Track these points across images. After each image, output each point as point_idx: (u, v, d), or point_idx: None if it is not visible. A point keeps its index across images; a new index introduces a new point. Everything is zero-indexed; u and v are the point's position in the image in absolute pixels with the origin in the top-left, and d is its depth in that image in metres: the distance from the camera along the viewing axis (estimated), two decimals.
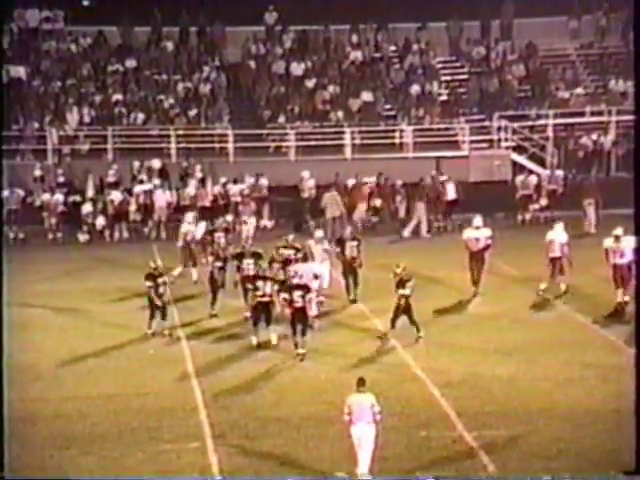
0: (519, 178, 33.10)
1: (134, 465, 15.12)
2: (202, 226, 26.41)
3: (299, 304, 20.13)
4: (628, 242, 21.91)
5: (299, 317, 19.99)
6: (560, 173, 33.34)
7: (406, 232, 31.01)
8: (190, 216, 26.35)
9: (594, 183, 32.45)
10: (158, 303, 21.01)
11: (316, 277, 21.65)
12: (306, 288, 20.37)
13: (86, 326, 22.25)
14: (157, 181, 32.45)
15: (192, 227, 25.83)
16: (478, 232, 23.62)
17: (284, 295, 20.27)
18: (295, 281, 20.55)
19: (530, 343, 20.48)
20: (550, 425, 16.30)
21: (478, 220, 23.91)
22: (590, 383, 18.20)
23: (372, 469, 14.23)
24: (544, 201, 32.59)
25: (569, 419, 16.57)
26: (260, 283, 20.82)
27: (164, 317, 21.20)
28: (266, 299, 20.60)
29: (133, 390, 18.27)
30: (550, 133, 35.43)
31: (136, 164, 33.08)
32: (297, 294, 20.15)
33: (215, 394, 17.88)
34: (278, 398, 17.75)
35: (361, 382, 14.59)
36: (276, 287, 20.72)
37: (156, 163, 33.18)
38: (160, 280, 21.08)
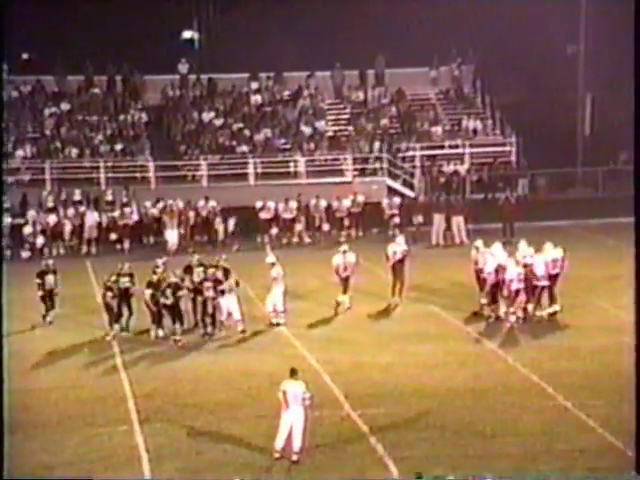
0: (385, 201, 33.27)
1: (72, 447, 14.88)
2: None
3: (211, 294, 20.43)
4: (488, 252, 21.89)
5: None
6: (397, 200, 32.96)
7: None
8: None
9: (461, 202, 33.00)
10: (154, 310, 20.46)
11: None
12: (219, 282, 20.52)
13: (29, 328, 21.75)
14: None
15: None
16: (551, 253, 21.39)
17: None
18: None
19: (403, 336, 20.68)
20: (420, 403, 16.50)
21: (550, 245, 21.63)
22: (452, 367, 18.47)
23: (303, 448, 14.05)
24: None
25: (435, 397, 16.79)
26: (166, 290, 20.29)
27: (173, 322, 20.41)
28: (169, 302, 20.31)
29: (70, 383, 17.95)
30: (417, 162, 36.08)
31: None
32: (207, 285, 20.44)
33: (141, 385, 17.68)
34: (194, 387, 17.63)
35: (294, 372, 14.22)
36: (181, 293, 20.29)
37: (77, 194, 32.58)
38: (160, 289, 20.33)
